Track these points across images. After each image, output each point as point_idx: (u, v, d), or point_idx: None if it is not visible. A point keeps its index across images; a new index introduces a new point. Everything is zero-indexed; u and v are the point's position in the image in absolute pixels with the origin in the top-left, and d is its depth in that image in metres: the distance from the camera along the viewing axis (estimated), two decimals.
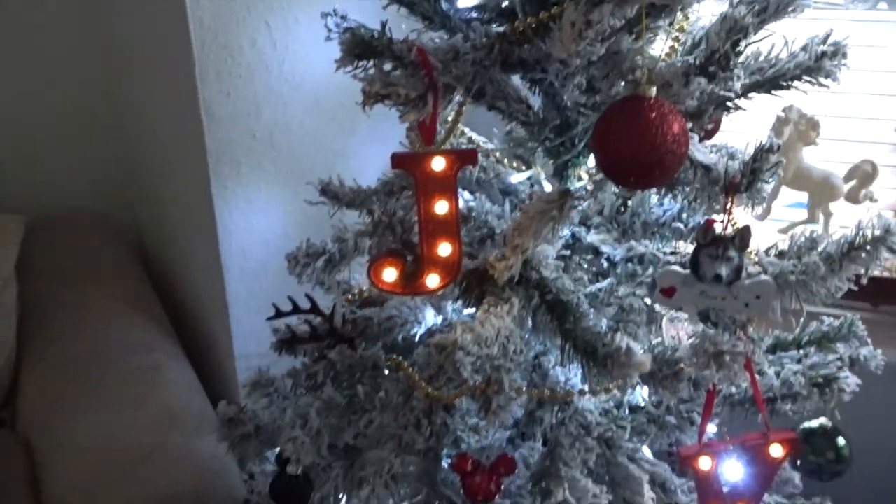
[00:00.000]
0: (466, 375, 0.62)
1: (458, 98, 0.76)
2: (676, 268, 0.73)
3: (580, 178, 0.88)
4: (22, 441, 1.14)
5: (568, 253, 0.82)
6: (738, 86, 0.62)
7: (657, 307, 0.80)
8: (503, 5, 0.75)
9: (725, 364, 0.68)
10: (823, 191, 0.83)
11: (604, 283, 0.83)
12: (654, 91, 0.57)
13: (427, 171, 0.69)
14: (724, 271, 0.69)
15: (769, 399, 0.79)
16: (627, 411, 0.87)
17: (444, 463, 0.85)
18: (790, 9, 0.66)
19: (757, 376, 0.75)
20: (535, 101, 0.82)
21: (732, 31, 0.62)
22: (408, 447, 0.81)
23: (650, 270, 0.78)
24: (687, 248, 0.83)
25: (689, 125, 0.61)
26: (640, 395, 0.91)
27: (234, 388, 1.35)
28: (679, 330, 0.90)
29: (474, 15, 0.75)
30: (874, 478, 1.34)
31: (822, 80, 0.71)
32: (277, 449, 1.01)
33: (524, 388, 0.77)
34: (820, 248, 0.70)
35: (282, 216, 1.29)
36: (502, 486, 0.78)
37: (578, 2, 0.57)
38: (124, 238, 1.66)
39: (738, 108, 0.73)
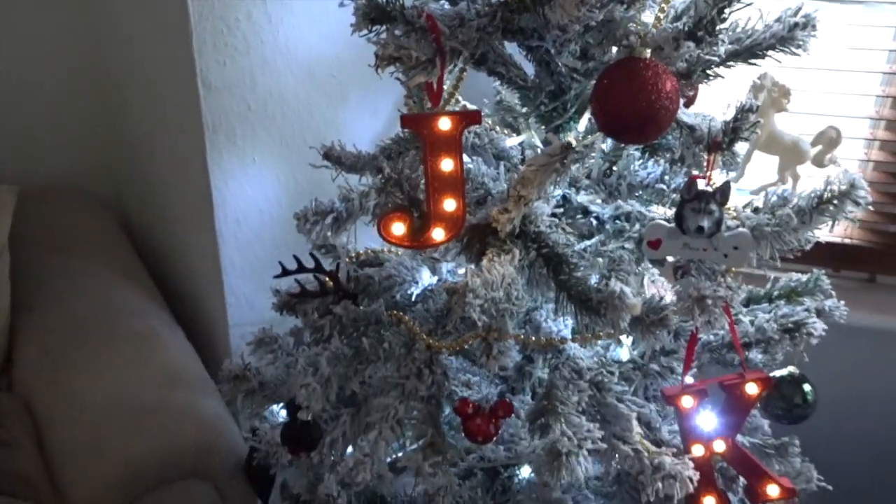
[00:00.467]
0: (475, 317, 0.68)
1: (459, 65, 0.81)
2: (662, 221, 0.79)
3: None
4: (23, 403, 1.16)
5: (560, 211, 0.88)
6: (722, 50, 0.68)
7: (644, 261, 0.86)
8: None
9: (707, 308, 0.74)
10: (793, 155, 0.90)
11: (593, 240, 0.89)
12: (648, 53, 0.62)
13: (434, 130, 0.74)
14: (706, 223, 0.75)
15: (745, 344, 0.86)
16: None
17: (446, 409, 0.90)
18: None
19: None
20: (529, 70, 0.87)
21: None
22: (411, 395, 0.86)
23: (636, 227, 0.84)
24: (667, 212, 0.89)
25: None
26: (625, 349, 0.98)
27: (227, 356, 1.38)
28: (659, 288, 0.96)
29: None
30: (835, 430, 1.44)
31: (794, 49, 0.78)
32: (279, 408, 1.06)
33: (521, 336, 0.82)
34: (792, 203, 0.76)
35: (275, 186, 1.32)
36: (500, 429, 0.84)
37: None
38: (109, 212, 1.68)
39: (717, 76, 0.80)
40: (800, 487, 0.96)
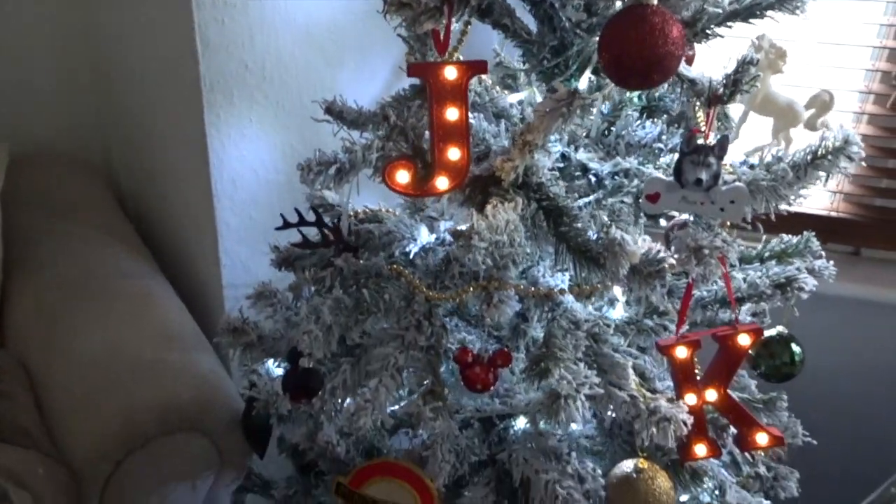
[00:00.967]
0: (479, 260, 0.69)
1: (465, 17, 0.82)
2: (661, 175, 0.81)
3: None
4: (17, 359, 1.16)
5: (560, 167, 0.89)
6: (725, 2, 0.70)
7: (641, 217, 0.88)
8: None
9: (704, 259, 0.76)
10: (787, 117, 0.92)
11: (592, 197, 0.90)
12: (655, 0, 0.64)
13: (440, 79, 0.75)
14: (704, 176, 0.77)
15: (737, 299, 0.89)
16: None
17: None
18: None
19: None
20: (532, 27, 0.88)
21: None
22: (411, 345, 0.87)
23: (635, 182, 0.86)
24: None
25: None
26: (619, 308, 1.00)
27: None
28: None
29: None
30: (818, 395, 1.48)
31: (792, 10, 0.79)
32: (275, 364, 1.08)
33: (521, 286, 0.84)
34: (787, 159, 0.78)
35: (272, 148, 1.32)
36: (498, 378, 0.86)
37: None
38: (100, 178, 1.67)
39: (716, 35, 0.81)
40: (786, 442, 0.99)
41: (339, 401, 0.86)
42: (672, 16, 0.63)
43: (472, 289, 0.84)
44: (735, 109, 0.97)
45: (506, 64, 1.07)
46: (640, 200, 0.82)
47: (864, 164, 1.42)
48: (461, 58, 1.00)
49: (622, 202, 0.84)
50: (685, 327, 0.88)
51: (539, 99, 0.93)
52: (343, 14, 1.28)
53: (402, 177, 0.78)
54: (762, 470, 0.97)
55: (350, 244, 0.92)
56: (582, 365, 0.79)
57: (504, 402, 0.97)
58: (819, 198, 1.50)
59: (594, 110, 0.87)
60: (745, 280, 0.90)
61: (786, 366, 0.97)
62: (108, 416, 1.00)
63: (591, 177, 0.92)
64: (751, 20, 0.80)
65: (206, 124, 1.23)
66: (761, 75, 0.77)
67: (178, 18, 1.17)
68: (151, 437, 1.01)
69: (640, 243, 0.96)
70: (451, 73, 0.75)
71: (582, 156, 0.92)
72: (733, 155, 0.91)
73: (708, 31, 0.79)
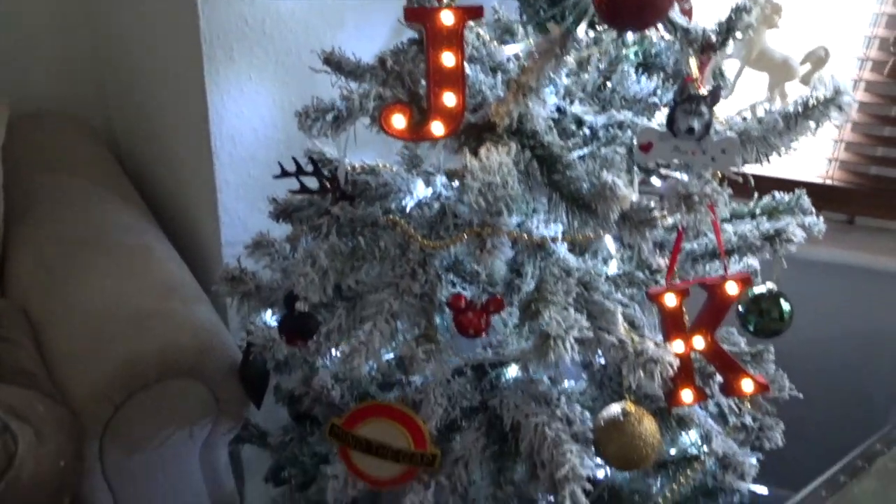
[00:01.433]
0: (472, 199, 0.70)
1: None
2: (654, 125, 0.82)
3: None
4: (19, 308, 1.18)
5: (555, 118, 0.90)
6: None
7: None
8: None
9: (694, 206, 0.77)
10: (782, 72, 0.92)
11: (587, 149, 0.91)
12: None
13: (437, 23, 0.76)
14: (696, 125, 0.78)
15: (727, 251, 0.90)
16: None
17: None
18: None
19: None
20: None
21: None
22: (405, 292, 0.89)
23: (629, 133, 0.87)
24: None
25: None
26: (612, 264, 1.02)
27: None
28: None
29: None
30: (810, 358, 1.50)
31: None
32: (271, 316, 1.09)
33: (514, 233, 0.85)
34: (779, 109, 0.79)
35: (271, 106, 1.33)
36: (491, 323, 0.87)
37: None
38: (99, 137, 1.68)
39: None
40: (773, 395, 1.01)
41: (334, 344, 0.87)
42: None
43: (465, 236, 0.86)
44: (730, 66, 0.98)
45: (505, 22, 1.08)
46: (634, 150, 0.83)
47: (860, 131, 1.44)
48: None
49: (616, 152, 0.85)
50: (675, 276, 0.90)
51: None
52: None
53: (398, 121, 0.79)
54: (748, 420, 0.98)
55: (346, 193, 0.93)
56: (571, 310, 0.80)
57: (497, 353, 0.99)
58: (814, 166, 1.51)
59: (591, 67, 0.88)
60: (735, 233, 0.92)
61: (775, 322, 0.98)
62: (109, 360, 1.02)
63: (585, 129, 0.93)
64: None
65: (205, 80, 1.24)
66: (756, 28, 0.78)
67: None
68: (150, 383, 1.03)
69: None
70: (447, 17, 0.76)
71: (577, 109, 0.93)
72: (729, 111, 0.93)
73: None
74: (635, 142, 0.83)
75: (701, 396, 0.86)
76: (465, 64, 0.95)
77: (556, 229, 0.92)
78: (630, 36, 0.92)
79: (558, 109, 0.94)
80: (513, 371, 0.97)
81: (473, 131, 0.82)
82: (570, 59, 0.95)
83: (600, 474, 1.01)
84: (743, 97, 0.98)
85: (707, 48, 0.75)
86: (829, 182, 1.49)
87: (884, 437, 1.09)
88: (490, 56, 0.98)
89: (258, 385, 1.10)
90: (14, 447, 0.79)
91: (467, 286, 1.02)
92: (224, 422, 1.14)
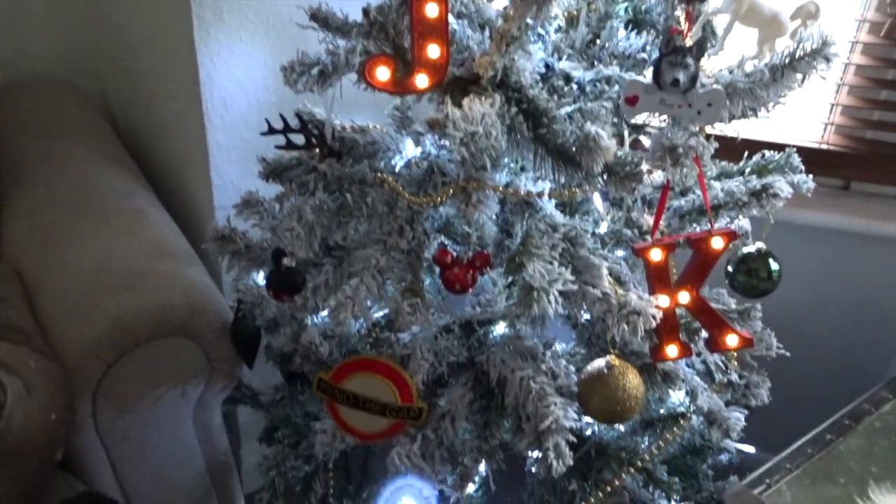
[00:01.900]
0: (455, 147, 0.70)
1: None
2: (640, 78, 0.81)
3: (556, 17, 0.95)
4: (12, 269, 1.19)
5: (543, 73, 0.90)
6: None
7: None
8: None
9: (679, 158, 0.77)
10: (771, 28, 0.91)
11: (574, 106, 0.91)
12: None
13: None
14: (681, 77, 0.77)
15: (715, 207, 0.90)
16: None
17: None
18: None
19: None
20: None
21: None
22: (392, 249, 0.89)
23: (616, 88, 0.87)
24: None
25: None
26: (603, 225, 1.02)
27: None
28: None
29: None
30: (803, 323, 1.51)
31: None
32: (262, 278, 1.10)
33: (500, 188, 0.85)
34: (765, 61, 0.79)
35: (262, 68, 1.32)
36: (477, 279, 0.88)
37: None
38: (92, 104, 1.68)
39: None
40: (760, 353, 1.02)
41: (321, 300, 0.88)
42: None
43: (451, 191, 0.86)
44: (721, 22, 0.97)
45: None
46: (620, 104, 0.83)
47: (856, 95, 1.43)
48: None
49: (602, 107, 0.85)
50: (660, 231, 0.90)
51: None
52: None
53: (382, 73, 0.79)
54: (734, 377, 0.99)
55: (334, 150, 0.93)
56: (556, 264, 0.80)
57: (484, 311, 0.99)
58: (810, 130, 1.50)
59: (580, 23, 0.88)
60: (722, 189, 0.91)
61: (762, 281, 0.99)
62: (100, 319, 1.02)
63: (573, 85, 0.92)
64: None
65: (195, 40, 1.23)
66: None
67: None
68: (142, 341, 1.04)
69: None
70: None
71: (565, 65, 0.93)
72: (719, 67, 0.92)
73: None
74: (622, 95, 0.82)
75: (686, 352, 0.86)
76: (453, 19, 0.94)
77: (543, 187, 0.91)
78: None
79: (547, 66, 0.94)
80: (500, 329, 0.97)
81: (458, 85, 0.81)
82: (559, 14, 0.95)
83: (588, 432, 1.02)
84: (733, 54, 0.97)
85: None
86: (824, 147, 1.49)
87: (871, 398, 1.10)
88: (478, 12, 0.98)
89: (249, 344, 1.11)
90: (3, 398, 0.80)
91: (458, 248, 1.02)
92: (216, 381, 1.15)
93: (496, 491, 1.08)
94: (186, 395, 1.13)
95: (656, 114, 0.83)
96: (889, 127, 1.44)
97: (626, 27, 0.97)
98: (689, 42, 0.78)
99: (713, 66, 0.87)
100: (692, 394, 0.95)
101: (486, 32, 0.93)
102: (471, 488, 1.05)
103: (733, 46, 0.96)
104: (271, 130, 0.95)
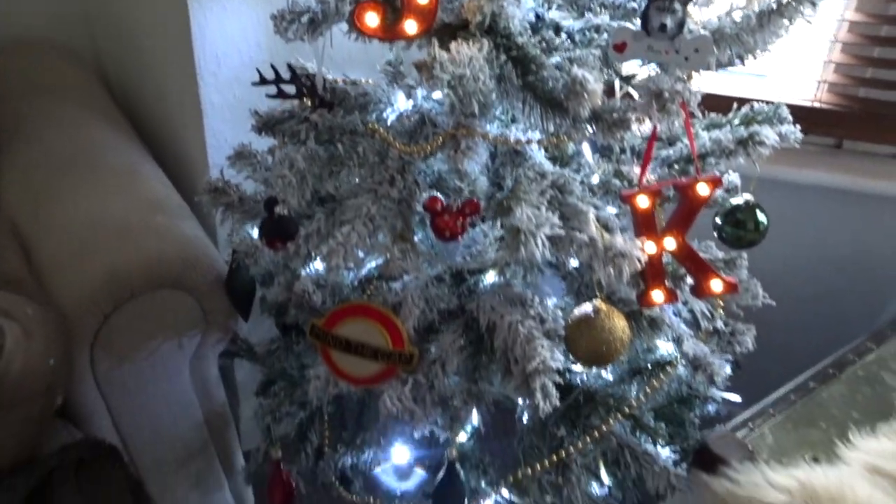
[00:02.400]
0: (443, 94, 0.71)
1: None
2: (628, 25, 0.82)
3: None
4: (9, 225, 1.20)
5: (534, 23, 0.90)
6: None
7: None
8: None
9: (665, 104, 0.78)
10: None
11: (564, 55, 0.91)
12: None
13: None
14: (668, 22, 0.78)
15: (702, 155, 0.91)
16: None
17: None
18: None
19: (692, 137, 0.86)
20: None
21: None
22: (383, 198, 0.90)
23: (604, 36, 0.87)
24: None
25: None
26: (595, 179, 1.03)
27: None
28: None
29: None
30: (794, 277, 1.52)
31: None
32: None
33: (489, 135, 0.86)
34: (754, 4, 0.79)
35: (255, 26, 1.32)
36: (467, 227, 0.89)
37: None
38: (85, 64, 1.67)
39: None
40: (745, 303, 1.03)
41: (314, 247, 0.89)
42: None
43: (441, 139, 0.86)
44: None
45: None
46: (609, 51, 0.83)
47: (850, 52, 1.43)
48: None
49: (591, 54, 0.85)
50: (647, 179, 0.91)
51: None
52: None
53: (371, 19, 0.79)
54: (720, 325, 1.01)
55: (325, 100, 0.93)
56: (543, 209, 0.81)
57: (475, 261, 1.01)
58: (802, 88, 1.50)
59: None
60: (710, 139, 0.92)
61: (750, 232, 1.00)
62: (96, 271, 1.04)
63: (563, 34, 0.92)
64: None
65: None
66: None
67: None
68: (137, 293, 1.05)
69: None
70: None
71: (555, 14, 0.93)
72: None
73: None
74: (610, 42, 0.83)
75: (671, 297, 0.88)
76: None
77: (533, 135, 0.92)
78: None
79: (537, 16, 0.94)
80: (490, 277, 0.98)
81: (447, 31, 0.82)
82: None
83: (577, 380, 1.04)
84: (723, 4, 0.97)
85: None
86: (817, 105, 1.49)
87: (856, 348, 1.12)
88: None
89: (244, 296, 1.12)
90: (2, 340, 0.81)
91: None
92: (212, 333, 1.17)
93: (487, 440, 1.11)
94: (183, 347, 1.15)
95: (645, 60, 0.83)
96: (882, 84, 1.44)
97: None
98: None
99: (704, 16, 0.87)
100: (678, 340, 0.97)
101: None
102: (462, 437, 1.08)
103: None
104: (263, 81, 0.95)
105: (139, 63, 1.56)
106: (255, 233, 1.10)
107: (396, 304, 0.92)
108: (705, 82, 0.84)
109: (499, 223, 0.83)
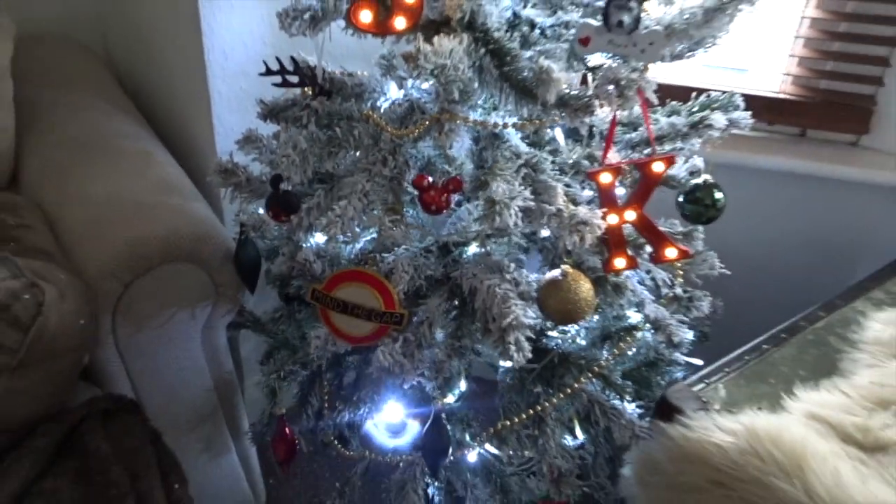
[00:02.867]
0: (427, 76, 0.82)
1: None
2: (591, 20, 0.93)
3: None
4: (34, 202, 1.30)
5: (512, 20, 1.01)
6: None
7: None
8: None
9: (623, 90, 0.89)
10: None
11: (536, 49, 1.02)
12: None
13: None
14: (626, 18, 0.89)
15: (659, 136, 1.02)
16: None
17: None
18: None
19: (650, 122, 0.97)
20: None
21: None
22: (377, 176, 1.01)
23: (573, 31, 0.98)
24: None
25: None
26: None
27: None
28: None
29: None
30: (760, 259, 1.63)
31: None
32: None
33: (469, 119, 0.97)
34: (700, 3, 0.90)
35: (260, 21, 1.43)
36: (451, 201, 1.00)
37: None
38: (98, 57, 1.78)
39: None
40: (702, 272, 1.15)
41: (314, 220, 1.00)
42: None
43: (427, 123, 0.97)
44: None
45: None
46: (574, 45, 0.94)
47: (811, 47, 1.54)
48: None
49: (559, 47, 0.96)
50: (610, 157, 1.02)
51: None
52: None
53: (365, 16, 0.90)
54: (679, 291, 1.12)
55: (324, 88, 1.04)
56: (517, 183, 0.92)
57: (459, 235, 1.12)
58: (767, 80, 1.61)
59: None
60: (668, 123, 1.03)
61: (709, 209, 1.11)
62: (116, 243, 1.14)
63: (537, 31, 1.03)
64: None
65: None
66: None
67: None
68: (154, 265, 1.16)
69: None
70: None
71: (530, 12, 1.04)
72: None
73: None
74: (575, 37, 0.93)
75: (632, 264, 0.99)
76: None
77: (509, 121, 1.03)
78: None
79: (515, 14, 1.05)
80: (473, 249, 1.09)
81: (432, 27, 0.93)
82: None
83: (552, 344, 1.16)
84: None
85: None
86: (782, 96, 1.60)
87: (808, 316, 1.23)
88: None
89: (251, 271, 1.23)
90: (42, 297, 0.92)
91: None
92: (222, 305, 1.28)
93: (472, 400, 1.22)
94: (195, 316, 1.26)
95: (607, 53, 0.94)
96: (840, 77, 1.55)
97: None
98: None
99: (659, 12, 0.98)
100: (640, 304, 1.08)
101: None
102: (450, 399, 1.19)
103: None
104: (269, 72, 1.06)
105: (149, 58, 1.67)
106: (261, 210, 1.21)
107: (388, 272, 1.03)
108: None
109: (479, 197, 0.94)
